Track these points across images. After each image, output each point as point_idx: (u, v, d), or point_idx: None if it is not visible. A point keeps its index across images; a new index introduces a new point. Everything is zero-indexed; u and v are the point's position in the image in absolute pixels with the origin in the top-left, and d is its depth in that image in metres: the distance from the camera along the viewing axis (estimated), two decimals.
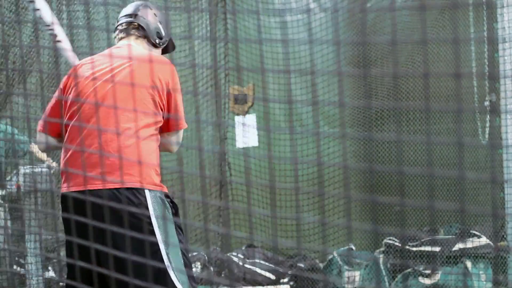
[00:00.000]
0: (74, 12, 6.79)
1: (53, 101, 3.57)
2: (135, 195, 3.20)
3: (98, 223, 2.89)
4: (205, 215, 7.38)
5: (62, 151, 3.41)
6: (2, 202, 5.95)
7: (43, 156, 6.44)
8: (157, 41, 3.63)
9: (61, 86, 3.54)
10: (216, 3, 7.64)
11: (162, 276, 3.18)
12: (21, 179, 5.82)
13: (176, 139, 3.54)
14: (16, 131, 6.42)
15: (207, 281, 6.67)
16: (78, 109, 3.39)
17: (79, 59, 3.76)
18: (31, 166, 5.87)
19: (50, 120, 3.51)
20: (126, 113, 3.31)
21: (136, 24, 3.62)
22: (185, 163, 7.41)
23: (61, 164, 3.38)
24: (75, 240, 3.11)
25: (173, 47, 3.79)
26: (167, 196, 3.33)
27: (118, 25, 3.67)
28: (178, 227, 3.34)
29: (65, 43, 3.80)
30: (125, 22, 3.64)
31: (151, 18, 3.63)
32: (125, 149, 3.25)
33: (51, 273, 6.39)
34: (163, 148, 3.56)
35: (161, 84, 3.38)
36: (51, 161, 6.42)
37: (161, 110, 3.40)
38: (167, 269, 3.18)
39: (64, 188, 3.32)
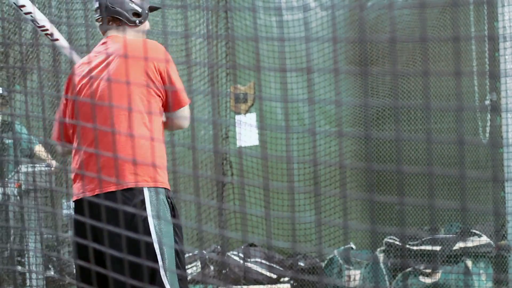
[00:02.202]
0: (73, 11, 6.79)
1: (60, 106, 3.57)
2: (133, 195, 3.21)
3: (100, 225, 2.97)
4: (205, 215, 7.38)
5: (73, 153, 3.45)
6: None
7: (46, 155, 6.45)
8: (137, 21, 3.53)
9: (64, 87, 3.57)
10: (218, 1, 7.65)
11: (153, 276, 3.19)
12: (21, 177, 5.83)
13: (182, 115, 3.44)
14: (26, 131, 6.43)
15: (206, 281, 6.67)
16: (76, 112, 3.43)
17: (80, 58, 3.75)
18: (31, 165, 5.88)
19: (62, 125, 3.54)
20: (120, 112, 3.31)
21: (109, 17, 3.54)
22: (186, 163, 7.42)
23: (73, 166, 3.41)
24: (79, 241, 3.15)
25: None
26: (168, 196, 3.32)
27: (96, 19, 3.63)
28: (177, 228, 3.32)
29: (62, 41, 3.77)
30: (99, 17, 3.59)
31: (120, 1, 3.51)
32: (121, 148, 3.25)
33: (51, 272, 6.40)
34: (173, 126, 3.47)
35: (149, 73, 3.32)
36: (51, 159, 6.43)
37: (158, 95, 3.36)
38: (159, 269, 3.19)
39: (74, 196, 3.39)
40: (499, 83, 6.53)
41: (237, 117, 7.68)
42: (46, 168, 5.92)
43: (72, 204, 3.47)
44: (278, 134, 7.34)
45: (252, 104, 7.69)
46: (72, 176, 3.44)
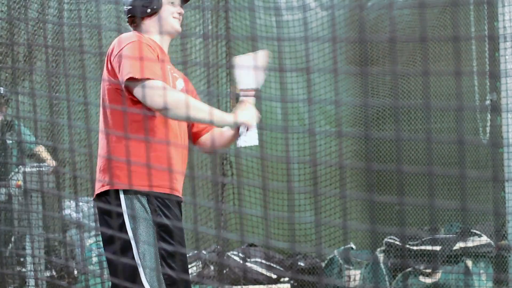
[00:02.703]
0: (72, 12, 6.79)
1: None
2: (111, 198, 3.24)
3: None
4: (205, 215, 7.37)
5: None
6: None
7: (47, 156, 6.44)
8: (149, 10, 3.48)
9: None
10: (217, 1, 7.64)
11: (131, 274, 3.20)
12: (21, 178, 5.82)
13: (139, 93, 3.17)
14: (28, 131, 6.44)
15: (206, 281, 6.66)
16: None
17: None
18: (32, 166, 5.87)
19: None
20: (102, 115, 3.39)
21: (128, 19, 3.55)
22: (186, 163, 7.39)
23: None
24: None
25: None
26: (151, 196, 3.28)
27: None
28: (163, 230, 3.29)
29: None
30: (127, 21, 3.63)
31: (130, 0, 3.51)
32: (102, 154, 3.30)
33: (51, 273, 6.39)
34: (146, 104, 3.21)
35: (107, 63, 3.30)
36: (51, 160, 6.42)
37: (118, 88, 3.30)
38: (138, 267, 3.20)
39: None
40: (499, 83, 6.52)
41: None
42: (46, 169, 5.92)
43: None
44: (278, 134, 7.33)
45: None
46: None
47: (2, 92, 6.27)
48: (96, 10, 6.82)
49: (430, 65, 6.77)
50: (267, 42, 7.39)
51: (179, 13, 3.53)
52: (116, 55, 3.24)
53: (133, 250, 3.21)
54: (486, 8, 6.69)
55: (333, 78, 7.15)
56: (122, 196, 3.25)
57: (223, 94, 7.65)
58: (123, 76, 3.17)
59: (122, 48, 3.24)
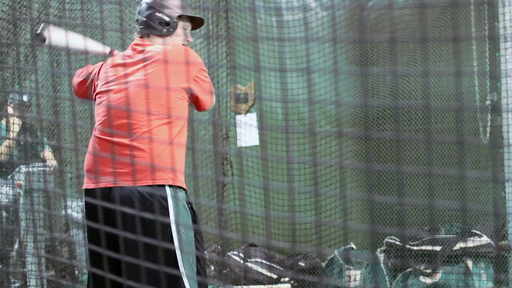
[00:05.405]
0: (73, 11, 6.79)
1: (88, 69, 3.66)
2: (158, 198, 3.20)
3: (121, 221, 3.05)
4: (206, 214, 7.38)
5: (92, 138, 3.43)
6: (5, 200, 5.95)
7: (50, 156, 6.45)
8: (164, 30, 3.58)
9: (96, 66, 3.62)
10: (218, 1, 7.64)
11: (175, 283, 3.18)
12: (22, 177, 5.82)
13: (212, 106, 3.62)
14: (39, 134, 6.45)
15: (206, 281, 6.65)
16: (106, 102, 3.44)
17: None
18: (32, 165, 5.88)
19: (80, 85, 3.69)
20: (152, 115, 3.36)
21: (139, 26, 3.62)
22: (186, 163, 7.40)
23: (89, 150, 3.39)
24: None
25: (195, 19, 3.73)
26: (188, 201, 3.32)
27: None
28: (198, 234, 3.33)
29: (92, 46, 3.79)
30: (136, 25, 3.67)
31: (148, 11, 3.59)
32: (155, 151, 3.28)
33: (51, 273, 6.39)
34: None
35: (181, 83, 3.39)
36: (51, 159, 6.43)
37: (187, 100, 3.46)
38: (181, 276, 3.18)
39: (91, 185, 3.32)
40: (500, 83, 6.53)
41: (238, 117, 7.67)
42: (46, 169, 5.93)
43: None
44: (279, 134, 7.34)
45: (253, 104, 7.69)
46: (90, 160, 3.38)
47: (25, 99, 6.29)
48: (98, 10, 6.82)
49: (431, 66, 6.78)
50: (267, 42, 7.39)
51: (188, 41, 3.67)
52: (201, 79, 3.49)
53: (178, 258, 3.20)
54: (486, 8, 6.69)
55: (333, 78, 7.15)
56: (170, 199, 3.23)
57: (223, 94, 7.65)
58: (208, 102, 3.55)
59: (205, 76, 3.51)
